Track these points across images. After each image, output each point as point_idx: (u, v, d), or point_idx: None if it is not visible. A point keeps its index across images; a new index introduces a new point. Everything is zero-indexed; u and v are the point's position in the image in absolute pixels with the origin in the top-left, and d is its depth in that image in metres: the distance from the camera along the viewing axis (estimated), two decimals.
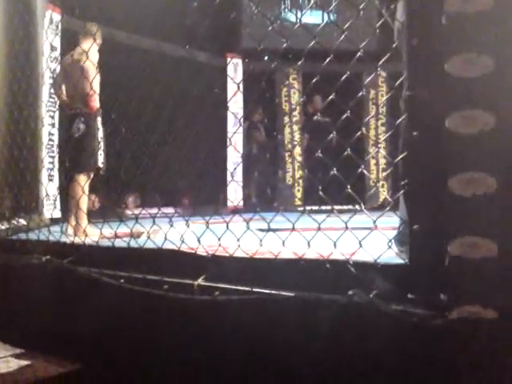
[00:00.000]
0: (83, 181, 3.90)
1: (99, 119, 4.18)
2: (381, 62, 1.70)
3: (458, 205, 1.39)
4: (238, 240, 2.09)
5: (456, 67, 1.37)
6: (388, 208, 1.77)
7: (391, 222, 2.06)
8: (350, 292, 1.62)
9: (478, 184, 1.35)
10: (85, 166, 4.05)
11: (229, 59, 8.48)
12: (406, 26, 1.53)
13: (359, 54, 1.77)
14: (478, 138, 1.34)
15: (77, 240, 2.81)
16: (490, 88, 1.34)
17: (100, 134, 4.15)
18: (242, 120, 8.29)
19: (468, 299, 1.39)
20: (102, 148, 4.14)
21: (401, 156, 1.54)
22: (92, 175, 4.06)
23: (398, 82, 1.56)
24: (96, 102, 4.11)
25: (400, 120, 1.57)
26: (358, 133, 1.90)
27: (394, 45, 1.73)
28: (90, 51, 3.90)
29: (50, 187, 4.48)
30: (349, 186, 1.85)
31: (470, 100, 1.35)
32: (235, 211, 5.73)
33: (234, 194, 8.17)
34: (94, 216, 4.23)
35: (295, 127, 9.14)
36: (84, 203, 3.86)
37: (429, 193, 1.47)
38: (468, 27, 1.36)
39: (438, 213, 1.45)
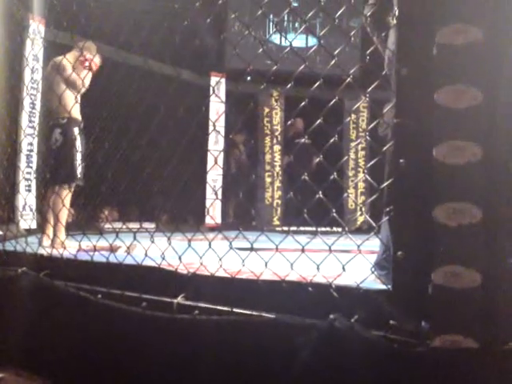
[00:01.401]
0: (63, 193, 3.86)
1: (76, 129, 4.14)
2: (369, 90, 1.72)
3: (443, 234, 1.40)
4: (220, 260, 2.08)
5: (445, 98, 1.39)
6: (372, 233, 1.78)
7: (369, 245, 2.08)
8: (331, 316, 1.62)
9: (463, 214, 1.36)
10: (64, 178, 4.01)
11: (212, 78, 8.52)
12: (396, 54, 1.55)
13: (348, 80, 1.79)
14: (464, 169, 1.36)
15: (54, 252, 2.77)
16: (478, 120, 1.36)
17: (78, 144, 4.10)
18: (223, 139, 8.31)
19: (450, 328, 1.40)
20: (80, 159, 4.10)
21: (387, 183, 1.55)
22: (72, 188, 4.02)
23: (386, 110, 1.58)
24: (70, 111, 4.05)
25: (386, 147, 1.59)
26: (344, 159, 1.91)
27: (384, 72, 1.75)
28: (64, 63, 3.90)
29: (27, 198, 4.42)
30: (333, 210, 1.86)
31: (458, 131, 1.37)
32: (213, 229, 5.71)
33: (212, 211, 8.16)
34: (71, 229, 4.18)
35: (276, 148, 9.19)
36: (63, 216, 3.83)
37: (414, 220, 1.48)
38: (458, 59, 1.38)
39: (423, 241, 1.46)
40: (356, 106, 7.13)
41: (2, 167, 3.72)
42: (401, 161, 1.48)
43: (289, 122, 8.73)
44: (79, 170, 4.06)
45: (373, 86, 1.70)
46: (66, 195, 3.79)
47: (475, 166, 1.36)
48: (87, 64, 4.18)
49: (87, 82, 4.19)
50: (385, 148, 1.57)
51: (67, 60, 4.00)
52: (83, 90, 4.16)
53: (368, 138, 8.49)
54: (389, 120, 1.64)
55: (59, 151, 4.06)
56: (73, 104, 3.98)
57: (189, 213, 8.13)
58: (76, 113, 4.13)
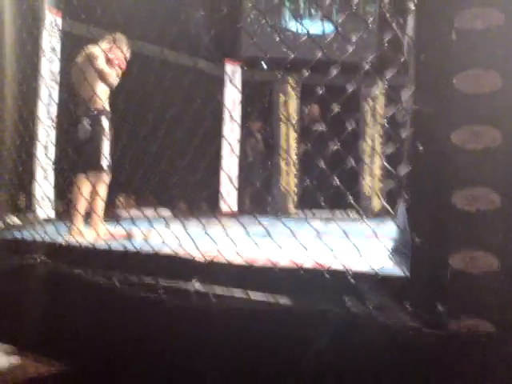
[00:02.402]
0: (95, 182, 3.88)
1: (105, 121, 4.15)
2: (388, 77, 1.70)
3: (461, 219, 1.39)
4: (236, 246, 2.09)
5: (464, 83, 1.37)
6: (389, 218, 1.77)
7: (386, 231, 2.07)
8: (348, 303, 1.62)
9: (481, 199, 1.36)
10: (94, 167, 4.02)
11: (228, 66, 8.49)
12: (415, 40, 1.54)
13: (367, 66, 1.78)
14: (483, 154, 1.35)
15: (72, 241, 2.80)
16: (497, 104, 1.35)
17: (107, 136, 4.11)
18: (239, 128, 8.30)
19: (467, 312, 1.40)
20: (109, 151, 4.10)
21: (406, 169, 1.54)
22: (106, 178, 4.01)
23: (405, 97, 1.57)
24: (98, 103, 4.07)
25: (406, 134, 1.58)
26: (360, 143, 1.90)
27: (403, 59, 1.73)
28: (97, 54, 3.92)
29: (44, 187, 4.45)
30: (350, 197, 1.85)
31: (477, 116, 1.36)
32: (229, 216, 5.72)
33: (228, 198, 8.17)
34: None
35: (292, 135, 9.15)
36: (99, 205, 3.89)
37: (432, 206, 1.47)
38: (477, 43, 1.37)
39: (440, 226, 1.45)
40: (374, 94, 7.07)
41: (20, 157, 3.74)
42: (419, 147, 1.47)
43: (306, 111, 8.67)
44: (107, 162, 4.05)
45: (392, 74, 1.69)
46: (99, 185, 3.83)
47: (494, 151, 1.35)
48: (117, 62, 4.18)
49: (117, 77, 4.19)
50: (404, 135, 1.57)
51: (100, 50, 4.00)
52: (115, 84, 4.17)
53: (386, 124, 8.44)
54: (407, 106, 1.63)
55: (88, 142, 4.08)
56: (103, 95, 4.02)
57: (205, 200, 8.16)
58: (106, 104, 4.14)
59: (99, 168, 3.98)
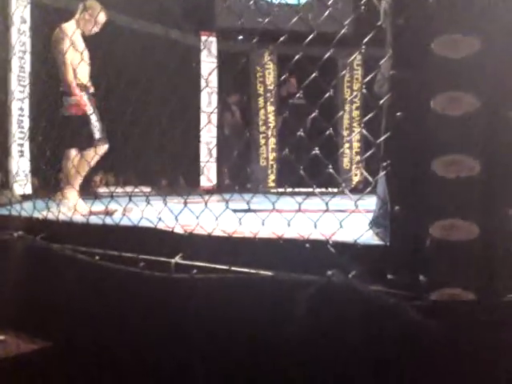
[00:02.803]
0: (84, 157, 3.85)
1: (86, 96, 4.08)
2: (365, 40, 1.68)
3: (441, 187, 1.39)
4: (217, 219, 2.07)
5: (442, 47, 1.36)
6: (369, 189, 1.77)
7: (365, 204, 2.07)
8: (329, 272, 1.62)
9: (461, 166, 1.35)
10: (82, 144, 3.98)
11: (203, 38, 8.37)
12: (392, 4, 1.51)
13: (342, 32, 1.75)
14: (462, 120, 1.34)
15: (50, 216, 2.76)
16: (475, 69, 1.33)
17: (90, 108, 4.05)
18: (216, 100, 8.22)
19: (447, 281, 1.40)
20: (96, 121, 4.05)
21: (384, 136, 1.53)
22: (98, 150, 3.97)
23: (382, 61, 1.55)
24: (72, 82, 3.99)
25: (383, 100, 1.56)
26: (340, 113, 1.89)
27: (379, 23, 1.71)
28: (71, 29, 3.84)
29: (20, 163, 4.38)
30: (330, 167, 1.84)
31: (456, 81, 1.34)
32: (209, 192, 5.70)
33: (208, 174, 8.13)
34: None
35: (270, 109, 9.10)
36: (77, 179, 3.85)
37: (411, 174, 1.47)
38: (455, 7, 1.35)
39: (420, 194, 1.45)
40: (351, 59, 7.02)
41: None
42: (398, 114, 1.46)
43: (282, 77, 8.59)
44: (98, 134, 4.00)
45: (368, 37, 1.66)
46: (89, 158, 3.79)
47: (473, 117, 1.34)
48: (90, 27, 4.10)
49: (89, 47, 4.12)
50: (382, 101, 1.55)
51: (74, 24, 3.93)
52: (87, 57, 4.08)
53: (364, 90, 8.44)
54: (385, 73, 1.61)
55: (69, 118, 4.04)
56: (83, 72, 3.95)
57: (184, 176, 8.12)
58: (83, 79, 4.06)
59: (91, 143, 3.95)
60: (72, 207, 3.09)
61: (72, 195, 3.77)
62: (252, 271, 1.81)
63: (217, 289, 1.89)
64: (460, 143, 1.35)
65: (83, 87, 4.07)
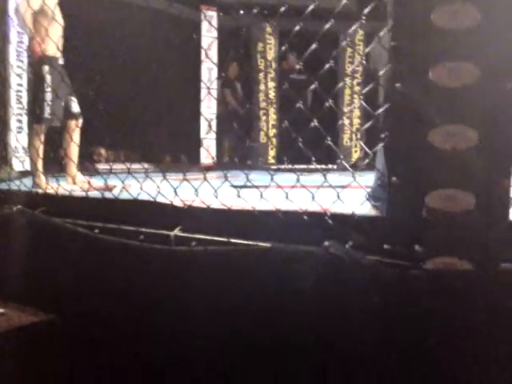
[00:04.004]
0: (34, 133, 3.80)
1: (45, 68, 3.92)
2: (366, 11, 1.67)
3: (438, 157, 1.39)
4: (216, 191, 2.08)
5: (442, 17, 1.35)
6: (367, 161, 1.78)
7: (363, 181, 2.08)
8: (326, 243, 1.63)
9: (458, 137, 1.35)
10: (34, 118, 3.92)
11: (203, 12, 8.30)
12: None
13: (343, 3, 1.74)
14: (461, 91, 1.34)
15: (50, 190, 2.77)
16: (475, 40, 1.33)
17: (47, 83, 3.91)
18: (216, 76, 8.18)
19: (444, 251, 1.41)
20: (50, 99, 3.92)
21: (383, 108, 1.53)
22: (43, 128, 3.88)
23: (382, 33, 1.54)
24: (39, 48, 3.87)
25: (383, 72, 1.56)
26: (339, 84, 1.88)
27: None
28: None
29: (19, 138, 4.37)
30: (329, 140, 1.84)
31: (455, 52, 1.34)
32: (208, 168, 5.69)
33: (207, 151, 8.12)
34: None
35: (270, 84, 9.06)
36: (35, 155, 3.77)
37: (409, 145, 1.47)
38: None
39: (417, 165, 1.45)
40: (352, 29, 6.93)
41: None
42: (397, 85, 1.46)
43: (283, 48, 8.53)
44: (48, 111, 3.87)
45: (369, 8, 1.65)
46: (36, 135, 3.73)
47: (472, 89, 1.34)
48: None
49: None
50: (381, 72, 1.55)
51: None
52: (58, 26, 3.94)
53: (364, 62, 8.40)
54: (385, 45, 1.60)
55: (31, 91, 3.98)
56: (51, 41, 3.77)
57: (184, 152, 8.11)
58: (50, 50, 3.90)
59: (39, 120, 3.86)
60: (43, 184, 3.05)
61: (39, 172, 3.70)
62: (250, 243, 1.82)
63: (216, 260, 1.90)
64: (458, 114, 1.35)
65: (48, 59, 3.91)
